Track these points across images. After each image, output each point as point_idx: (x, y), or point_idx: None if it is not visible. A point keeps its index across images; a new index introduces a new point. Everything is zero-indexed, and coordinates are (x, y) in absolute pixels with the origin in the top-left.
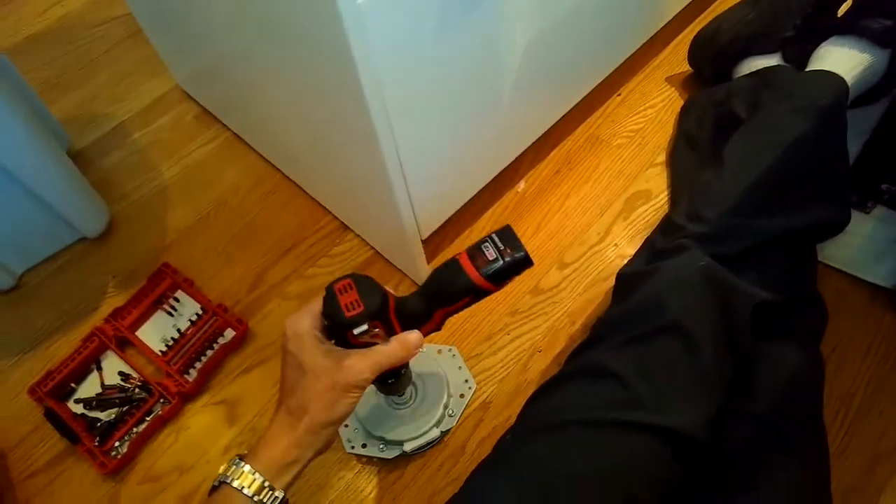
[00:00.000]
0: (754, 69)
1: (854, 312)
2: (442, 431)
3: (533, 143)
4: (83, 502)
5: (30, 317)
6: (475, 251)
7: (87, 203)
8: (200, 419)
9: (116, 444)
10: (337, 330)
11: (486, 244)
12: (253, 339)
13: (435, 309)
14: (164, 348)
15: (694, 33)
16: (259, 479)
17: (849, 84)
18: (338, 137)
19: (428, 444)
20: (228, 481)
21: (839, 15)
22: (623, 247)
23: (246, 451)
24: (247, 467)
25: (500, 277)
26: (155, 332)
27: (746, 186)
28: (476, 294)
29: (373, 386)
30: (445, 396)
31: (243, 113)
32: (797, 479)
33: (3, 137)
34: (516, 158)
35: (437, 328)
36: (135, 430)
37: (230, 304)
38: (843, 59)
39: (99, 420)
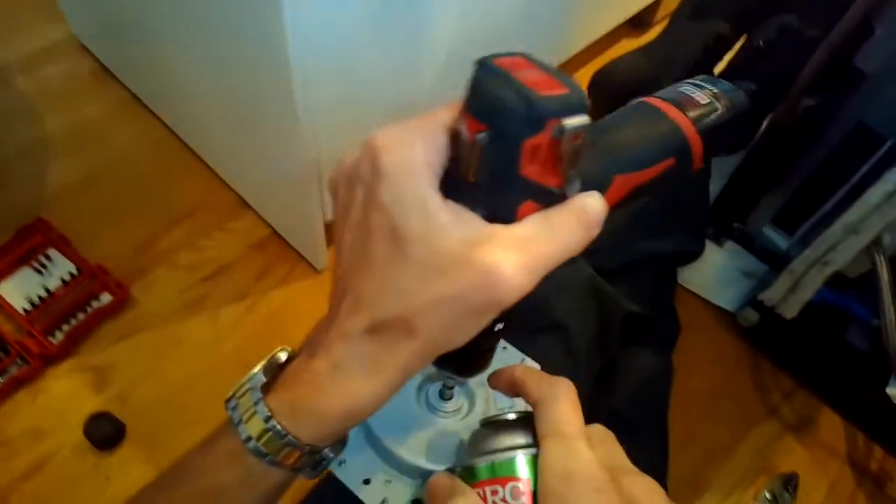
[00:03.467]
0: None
1: (703, 329)
2: None
3: None
4: None
5: None
6: (676, 95)
7: None
8: (63, 384)
9: None
10: (511, 135)
11: (689, 87)
12: (134, 306)
13: (614, 172)
14: (29, 307)
15: (595, 69)
16: (281, 437)
17: None
18: (253, 108)
19: None
20: (235, 421)
21: (716, 74)
22: None
23: (260, 373)
24: (261, 409)
25: (716, 135)
26: (18, 289)
27: (628, 212)
28: (680, 156)
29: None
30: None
31: (147, 74)
32: (640, 465)
33: None
34: None
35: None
36: None
37: (110, 267)
38: None
39: None
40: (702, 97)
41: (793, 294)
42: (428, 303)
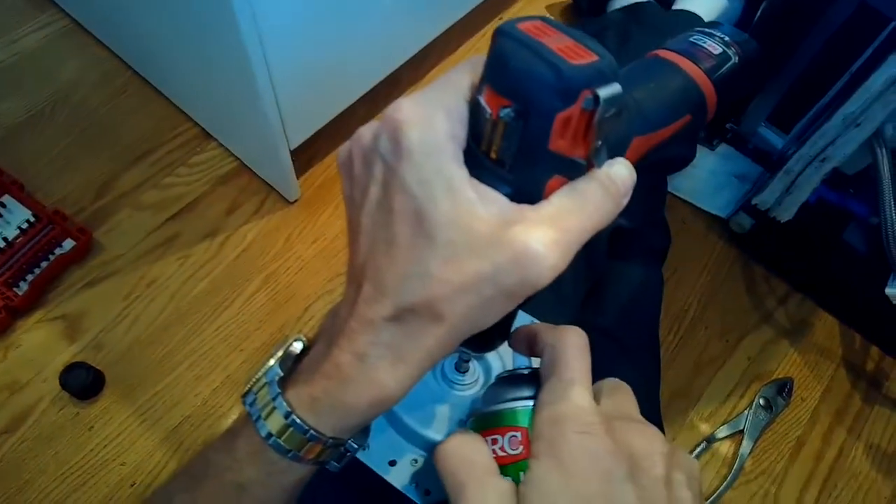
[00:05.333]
0: (626, 4)
1: (693, 238)
2: None
3: (412, 59)
4: None
5: None
6: (688, 46)
7: None
8: (34, 335)
9: None
10: (541, 109)
11: (700, 36)
12: (99, 251)
13: (633, 134)
14: None
15: None
16: (300, 429)
17: None
18: (197, 28)
19: None
20: (254, 417)
21: None
22: None
23: (276, 366)
24: (281, 405)
25: (731, 86)
26: None
27: None
28: (696, 112)
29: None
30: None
31: None
32: (631, 381)
33: None
34: (394, 74)
35: None
36: None
37: (71, 213)
38: (703, 1)
39: None
40: (714, 47)
41: (788, 195)
42: (456, 287)
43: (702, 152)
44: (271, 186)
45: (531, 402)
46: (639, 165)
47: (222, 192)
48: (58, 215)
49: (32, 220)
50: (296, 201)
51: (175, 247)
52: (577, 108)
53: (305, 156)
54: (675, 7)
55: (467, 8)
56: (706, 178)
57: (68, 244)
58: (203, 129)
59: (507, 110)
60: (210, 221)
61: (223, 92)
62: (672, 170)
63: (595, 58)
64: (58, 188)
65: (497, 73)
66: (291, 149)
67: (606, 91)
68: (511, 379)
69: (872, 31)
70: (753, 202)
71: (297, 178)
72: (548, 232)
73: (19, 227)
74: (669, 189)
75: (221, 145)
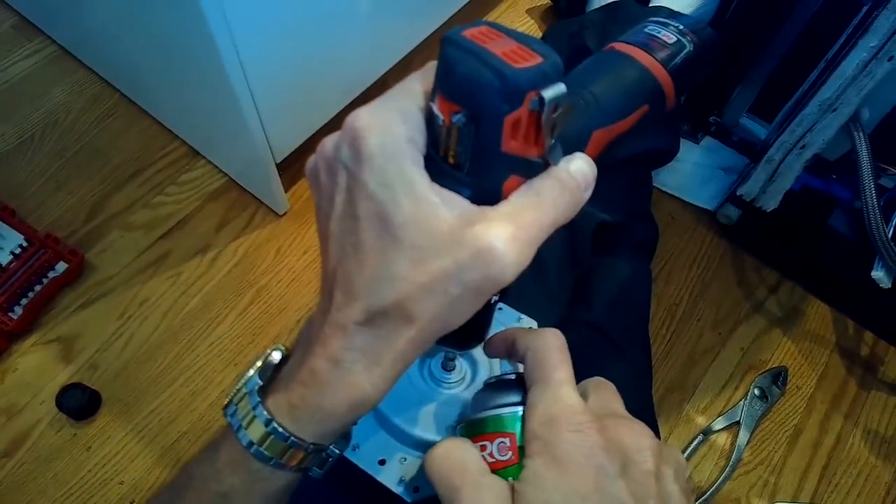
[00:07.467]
0: (605, 3)
1: (682, 232)
2: None
3: (395, 66)
4: None
5: None
6: (643, 37)
7: None
8: (30, 359)
9: None
10: (488, 113)
11: (655, 27)
12: (92, 272)
13: (592, 128)
14: None
15: None
16: (280, 436)
17: None
18: (177, 50)
19: None
20: (235, 427)
21: None
22: None
23: (256, 376)
24: (261, 413)
25: (688, 74)
26: None
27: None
28: (654, 102)
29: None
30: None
31: (72, 23)
32: (622, 377)
33: None
34: (379, 81)
35: None
36: None
37: (62, 235)
38: None
39: None
40: (669, 36)
41: (772, 184)
42: (423, 287)
43: (686, 146)
44: (260, 201)
45: (519, 409)
46: (615, 160)
47: (212, 208)
48: (50, 238)
49: (25, 244)
50: (285, 214)
51: (167, 265)
52: (524, 110)
53: (293, 168)
54: (653, 3)
55: (448, 13)
56: (692, 172)
57: (61, 267)
58: (191, 147)
59: (459, 116)
60: (201, 238)
61: (207, 110)
62: (657, 164)
63: (539, 60)
64: (49, 212)
65: (446, 81)
66: (278, 162)
67: (551, 92)
68: (497, 385)
69: (847, 17)
70: (739, 193)
71: (286, 190)
72: (507, 229)
73: (12, 253)
74: (655, 184)
75: (210, 162)
